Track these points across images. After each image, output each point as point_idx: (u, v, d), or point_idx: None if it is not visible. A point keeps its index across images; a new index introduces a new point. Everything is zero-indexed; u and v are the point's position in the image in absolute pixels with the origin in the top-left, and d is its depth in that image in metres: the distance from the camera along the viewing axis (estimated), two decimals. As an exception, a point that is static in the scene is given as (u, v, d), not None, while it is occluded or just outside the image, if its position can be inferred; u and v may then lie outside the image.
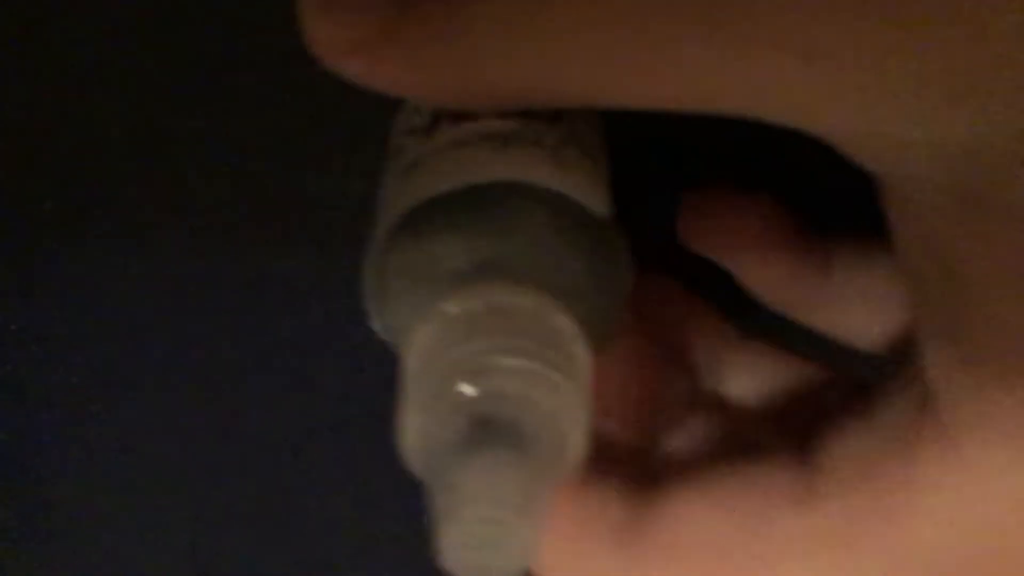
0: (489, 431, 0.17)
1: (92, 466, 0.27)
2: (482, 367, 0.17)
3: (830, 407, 0.19)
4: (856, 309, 0.22)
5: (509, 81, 0.16)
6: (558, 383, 0.17)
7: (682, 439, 0.21)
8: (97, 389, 0.27)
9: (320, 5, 0.16)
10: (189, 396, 0.27)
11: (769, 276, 0.22)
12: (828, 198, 0.24)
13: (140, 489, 0.27)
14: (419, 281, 0.19)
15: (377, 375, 0.27)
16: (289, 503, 0.27)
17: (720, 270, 0.23)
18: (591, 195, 0.20)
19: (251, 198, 0.27)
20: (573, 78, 0.16)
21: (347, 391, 0.27)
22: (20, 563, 0.27)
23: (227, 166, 0.27)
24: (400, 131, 0.22)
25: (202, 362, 0.27)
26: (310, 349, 0.27)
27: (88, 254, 0.27)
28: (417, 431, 0.17)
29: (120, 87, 0.26)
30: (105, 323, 0.27)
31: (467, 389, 0.17)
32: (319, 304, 0.27)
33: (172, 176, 0.27)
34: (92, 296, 0.27)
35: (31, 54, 0.26)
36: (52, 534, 0.27)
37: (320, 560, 0.27)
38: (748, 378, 0.22)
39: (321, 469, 0.27)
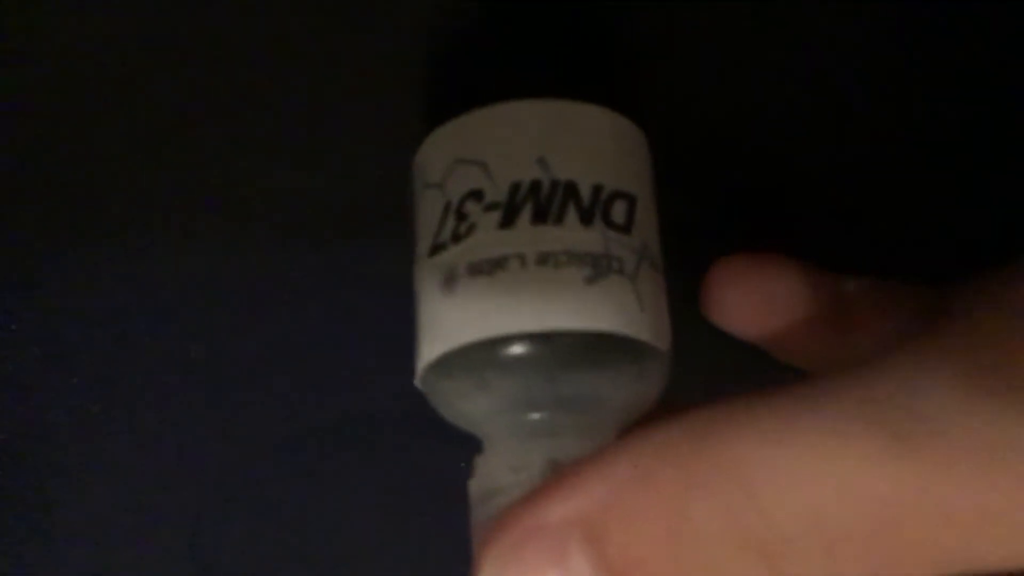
0: None
1: (92, 466, 0.27)
2: None
3: None
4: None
5: None
6: None
7: None
8: (97, 389, 0.27)
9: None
10: (189, 396, 0.27)
11: (794, 344, 0.22)
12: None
13: (140, 489, 0.27)
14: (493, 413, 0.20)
15: (377, 376, 0.27)
16: (289, 503, 0.27)
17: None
18: (662, 334, 0.20)
19: (252, 198, 0.27)
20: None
21: (347, 391, 0.27)
22: (20, 563, 0.27)
23: (228, 166, 0.27)
24: (458, 188, 0.20)
25: (202, 362, 0.27)
26: (310, 349, 0.27)
27: (88, 254, 0.27)
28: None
29: (121, 87, 0.26)
30: (105, 323, 0.27)
31: None
32: (319, 304, 0.27)
33: (172, 176, 0.27)
34: (92, 296, 0.27)
35: (31, 54, 0.26)
36: (52, 534, 0.27)
37: (320, 560, 0.27)
38: None
39: (321, 469, 0.27)
